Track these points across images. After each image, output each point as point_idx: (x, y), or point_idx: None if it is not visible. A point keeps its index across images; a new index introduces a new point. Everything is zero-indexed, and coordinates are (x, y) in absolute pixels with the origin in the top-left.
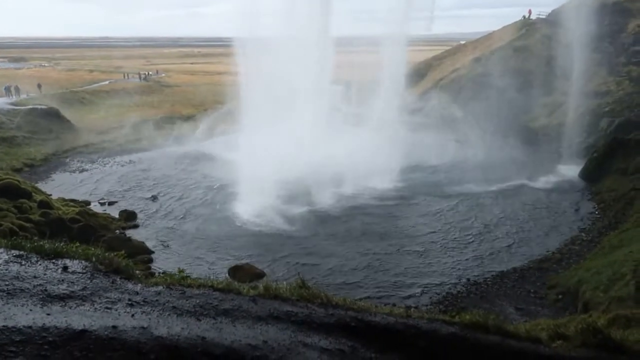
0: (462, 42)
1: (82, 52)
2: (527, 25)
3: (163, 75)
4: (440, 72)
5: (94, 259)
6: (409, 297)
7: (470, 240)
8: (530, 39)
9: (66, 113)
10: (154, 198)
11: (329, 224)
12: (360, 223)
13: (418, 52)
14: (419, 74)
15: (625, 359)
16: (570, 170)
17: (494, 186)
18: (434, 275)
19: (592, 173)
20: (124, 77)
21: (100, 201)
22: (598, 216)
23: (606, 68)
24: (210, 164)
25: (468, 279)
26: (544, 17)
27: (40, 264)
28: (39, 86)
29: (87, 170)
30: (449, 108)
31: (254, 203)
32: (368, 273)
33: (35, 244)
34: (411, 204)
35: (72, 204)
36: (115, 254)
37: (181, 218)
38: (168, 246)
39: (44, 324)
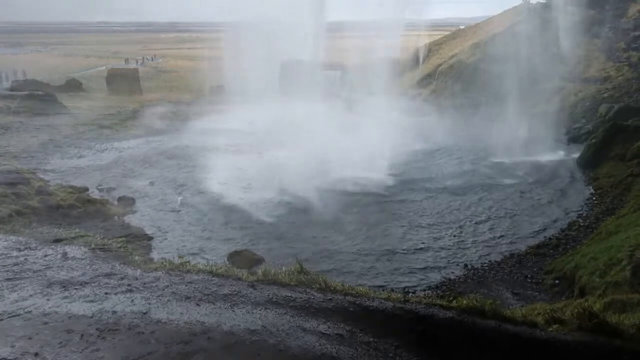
0: (462, 27)
1: (78, 38)
2: (527, 10)
3: (160, 60)
4: (439, 57)
5: (92, 245)
6: (407, 282)
7: (467, 225)
8: (530, 23)
9: (64, 98)
10: (152, 184)
11: (317, 212)
12: (352, 211)
13: (417, 38)
14: (417, 59)
15: (620, 342)
16: (568, 156)
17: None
18: (430, 260)
19: (591, 159)
20: (125, 62)
21: (99, 187)
22: (595, 202)
23: (606, 54)
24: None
25: (465, 265)
26: (544, 1)
27: (39, 250)
28: (23, 73)
29: (84, 156)
30: (447, 93)
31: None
32: (365, 259)
33: (34, 230)
34: (408, 188)
35: (70, 189)
36: (113, 240)
37: (179, 204)
38: (166, 232)
39: (43, 310)
